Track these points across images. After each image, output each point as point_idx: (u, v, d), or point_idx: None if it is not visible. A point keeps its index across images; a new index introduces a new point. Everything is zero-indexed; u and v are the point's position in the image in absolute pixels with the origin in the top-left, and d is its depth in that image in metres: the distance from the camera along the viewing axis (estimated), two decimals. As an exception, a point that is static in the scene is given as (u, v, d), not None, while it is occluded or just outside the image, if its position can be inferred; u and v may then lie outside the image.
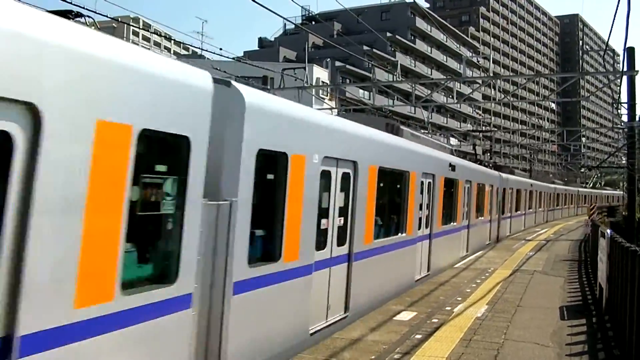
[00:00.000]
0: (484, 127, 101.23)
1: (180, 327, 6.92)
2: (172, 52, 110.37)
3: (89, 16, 7.42)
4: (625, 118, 32.66)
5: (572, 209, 69.72)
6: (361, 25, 64.09)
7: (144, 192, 6.51)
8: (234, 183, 7.93)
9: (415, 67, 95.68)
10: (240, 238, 7.99)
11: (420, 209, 16.83)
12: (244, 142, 8.04)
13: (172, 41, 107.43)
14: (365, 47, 77.96)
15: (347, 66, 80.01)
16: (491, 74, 43.89)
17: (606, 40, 20.14)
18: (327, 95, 58.02)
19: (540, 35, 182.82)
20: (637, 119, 30.51)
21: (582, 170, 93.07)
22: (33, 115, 4.94)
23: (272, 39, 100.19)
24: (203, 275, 7.33)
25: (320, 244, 10.59)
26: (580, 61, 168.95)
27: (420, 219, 16.81)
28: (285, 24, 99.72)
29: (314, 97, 40.50)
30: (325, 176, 10.66)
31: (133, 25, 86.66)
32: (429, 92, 38.40)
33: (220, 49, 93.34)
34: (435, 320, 12.00)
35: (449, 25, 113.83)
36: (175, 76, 6.88)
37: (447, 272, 19.09)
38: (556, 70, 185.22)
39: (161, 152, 7.05)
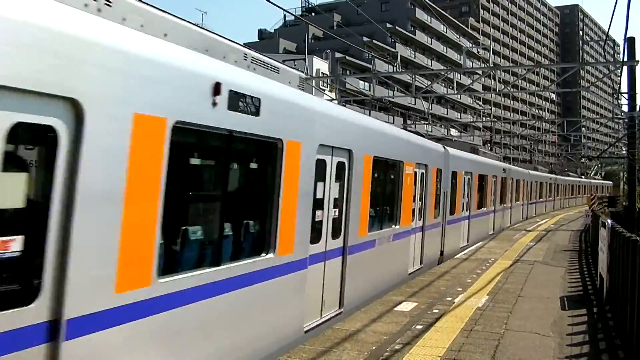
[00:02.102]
0: (484, 118, 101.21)
1: None
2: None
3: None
4: (625, 108, 32.63)
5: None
6: (361, 17, 64.03)
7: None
8: None
9: (415, 58, 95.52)
10: None
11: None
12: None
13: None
14: (365, 38, 77.73)
15: (347, 57, 79.83)
16: (491, 65, 43.81)
17: (606, 30, 20.09)
18: (327, 87, 57.94)
19: (540, 25, 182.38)
20: (637, 109, 30.49)
21: (583, 160, 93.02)
22: None
23: (272, 31, 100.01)
24: None
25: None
26: (581, 51, 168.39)
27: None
28: (285, 15, 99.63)
29: (314, 88, 40.43)
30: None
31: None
32: (429, 83, 38.31)
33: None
34: (436, 311, 12.01)
35: (448, 16, 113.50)
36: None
37: (447, 262, 19.11)
38: (556, 60, 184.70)
39: None
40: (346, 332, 10.20)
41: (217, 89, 7.20)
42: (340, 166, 11.32)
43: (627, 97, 30.58)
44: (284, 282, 9.16)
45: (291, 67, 10.94)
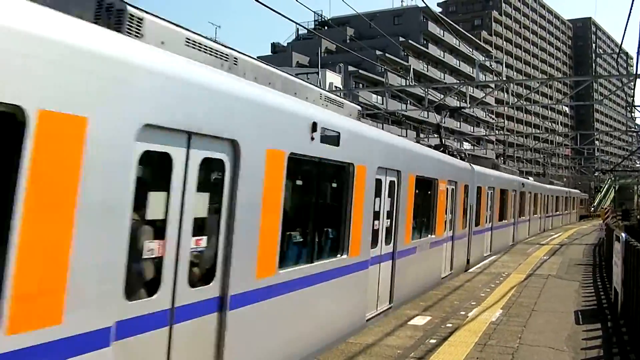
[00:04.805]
0: (497, 131, 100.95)
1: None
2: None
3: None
4: (639, 121, 32.57)
5: None
6: (374, 30, 64.05)
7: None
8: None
9: (428, 71, 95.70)
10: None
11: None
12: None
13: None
14: (378, 52, 77.93)
15: (360, 71, 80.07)
16: (504, 78, 43.80)
17: (619, 43, 20.09)
18: (339, 100, 57.95)
19: (553, 38, 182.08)
20: (651, 122, 30.40)
21: (596, 173, 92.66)
22: None
23: (285, 44, 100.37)
24: None
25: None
26: (594, 64, 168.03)
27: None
28: (298, 29, 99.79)
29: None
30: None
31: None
32: (442, 96, 38.32)
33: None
34: (450, 325, 12.00)
35: (461, 29, 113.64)
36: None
37: (461, 276, 19.11)
38: (569, 73, 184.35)
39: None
40: (360, 346, 10.21)
41: None
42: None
43: (640, 110, 30.50)
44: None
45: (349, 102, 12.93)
